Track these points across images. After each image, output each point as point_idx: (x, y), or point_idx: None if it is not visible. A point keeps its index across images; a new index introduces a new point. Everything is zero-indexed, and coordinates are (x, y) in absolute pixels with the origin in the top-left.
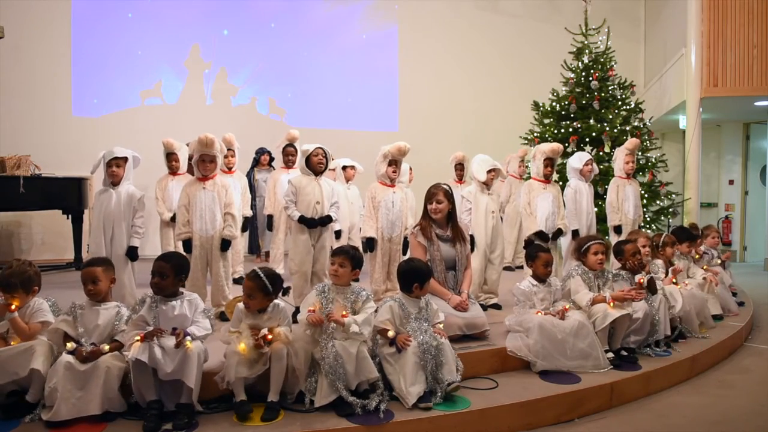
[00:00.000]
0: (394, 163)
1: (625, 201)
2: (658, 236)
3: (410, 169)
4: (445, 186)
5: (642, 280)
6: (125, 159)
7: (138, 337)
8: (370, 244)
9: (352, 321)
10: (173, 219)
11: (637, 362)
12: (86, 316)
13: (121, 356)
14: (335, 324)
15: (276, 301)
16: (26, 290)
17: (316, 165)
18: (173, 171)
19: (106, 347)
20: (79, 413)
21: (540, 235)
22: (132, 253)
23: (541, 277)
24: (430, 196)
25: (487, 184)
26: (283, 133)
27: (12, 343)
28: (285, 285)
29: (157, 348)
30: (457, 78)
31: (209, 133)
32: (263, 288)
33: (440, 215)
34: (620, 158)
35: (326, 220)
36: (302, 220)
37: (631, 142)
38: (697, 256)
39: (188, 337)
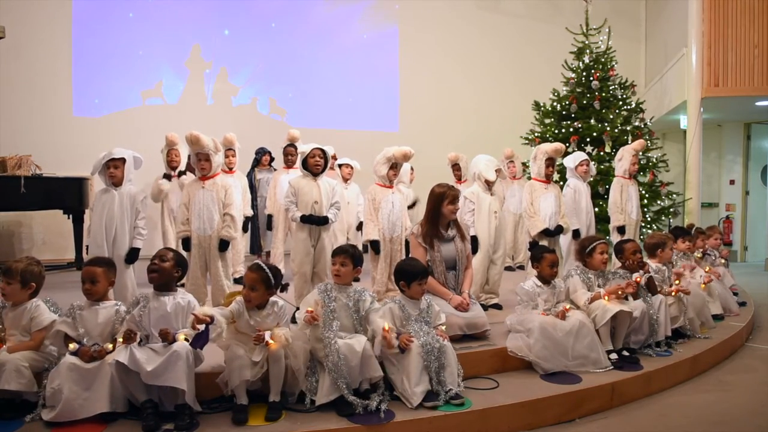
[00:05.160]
0: (395, 165)
1: (628, 201)
2: (651, 237)
3: (411, 169)
4: None
5: (640, 279)
6: (123, 160)
7: (121, 339)
8: (375, 246)
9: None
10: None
11: (639, 362)
12: (86, 316)
13: None
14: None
15: (277, 299)
16: (23, 284)
17: (313, 166)
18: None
19: (110, 346)
20: (86, 413)
21: (546, 232)
22: (133, 255)
23: (547, 279)
24: (451, 197)
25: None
26: (284, 133)
27: (9, 341)
28: (284, 282)
29: (138, 350)
30: (458, 78)
31: (210, 133)
32: (266, 280)
33: (456, 215)
34: (627, 159)
35: (324, 220)
36: (303, 219)
37: (639, 143)
38: (699, 257)
39: (181, 333)
